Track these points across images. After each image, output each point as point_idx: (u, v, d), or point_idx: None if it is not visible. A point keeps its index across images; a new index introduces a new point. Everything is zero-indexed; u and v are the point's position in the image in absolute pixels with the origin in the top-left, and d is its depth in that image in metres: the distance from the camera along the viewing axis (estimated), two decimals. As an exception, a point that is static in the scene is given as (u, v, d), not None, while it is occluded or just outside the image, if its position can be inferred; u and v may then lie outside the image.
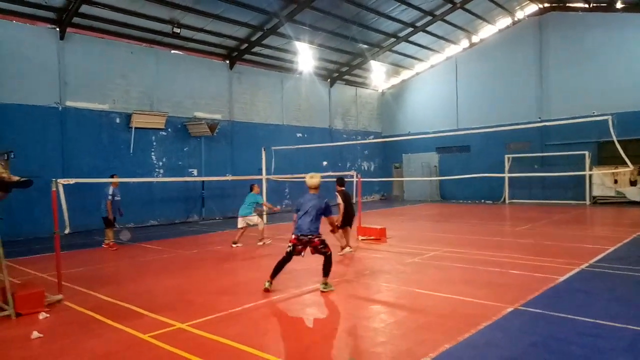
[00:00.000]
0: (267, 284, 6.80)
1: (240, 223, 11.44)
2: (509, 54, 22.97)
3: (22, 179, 6.08)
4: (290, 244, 6.84)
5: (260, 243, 11.56)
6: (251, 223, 11.52)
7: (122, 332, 5.25)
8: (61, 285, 6.82)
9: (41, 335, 5.19)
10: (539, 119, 21.40)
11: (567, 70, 21.09)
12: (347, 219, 10.09)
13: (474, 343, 4.62)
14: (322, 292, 6.69)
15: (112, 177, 11.48)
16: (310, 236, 6.75)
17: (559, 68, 21.37)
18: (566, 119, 17.14)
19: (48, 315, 5.95)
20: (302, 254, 6.87)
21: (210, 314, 5.79)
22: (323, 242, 6.81)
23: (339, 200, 10.01)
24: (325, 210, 6.98)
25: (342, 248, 9.89)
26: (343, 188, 10.39)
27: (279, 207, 12.91)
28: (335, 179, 10.78)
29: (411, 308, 5.99)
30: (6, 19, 13.81)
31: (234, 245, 11.24)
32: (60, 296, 6.63)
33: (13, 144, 13.39)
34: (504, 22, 23.06)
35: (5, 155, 6.06)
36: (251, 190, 11.81)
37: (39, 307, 6.09)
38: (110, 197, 11.41)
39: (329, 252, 6.88)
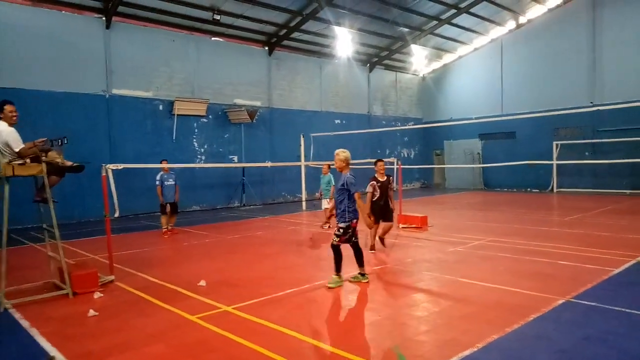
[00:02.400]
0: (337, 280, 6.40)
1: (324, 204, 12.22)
2: (559, 34, 21.81)
3: (75, 164, 6.34)
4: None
5: (326, 227, 11.87)
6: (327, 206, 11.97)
7: (171, 313, 5.42)
8: (112, 266, 7.13)
9: (96, 313, 5.44)
10: (591, 104, 20.27)
11: (623, 51, 19.80)
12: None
13: (523, 335, 4.48)
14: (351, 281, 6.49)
15: (161, 162, 11.30)
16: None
17: (614, 48, 20.10)
18: (621, 103, 16.17)
19: (102, 294, 6.23)
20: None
21: (254, 298, 5.88)
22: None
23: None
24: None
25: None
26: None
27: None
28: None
29: (454, 297, 5.87)
30: (56, 9, 14.35)
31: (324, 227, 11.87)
32: (112, 277, 6.93)
33: (64, 131, 13.96)
34: (554, 1, 21.88)
35: (59, 141, 6.30)
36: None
37: (94, 287, 6.39)
38: (158, 183, 11.43)
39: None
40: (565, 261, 7.49)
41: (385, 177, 8.76)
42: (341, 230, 6.38)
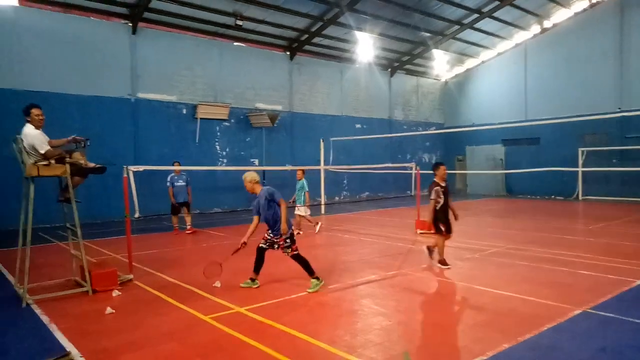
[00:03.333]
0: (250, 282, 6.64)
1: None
2: (585, 39, 21.33)
3: (97, 165, 6.55)
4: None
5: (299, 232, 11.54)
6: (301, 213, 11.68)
7: (185, 313, 5.53)
8: (132, 265, 7.31)
9: (113, 311, 5.60)
10: (619, 109, 19.75)
11: (653, 56, 19.25)
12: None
13: (535, 345, 4.40)
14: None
15: (174, 164, 12.05)
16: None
17: (643, 53, 19.56)
18: (650, 109, 15.70)
19: (120, 293, 6.39)
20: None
21: (267, 300, 5.95)
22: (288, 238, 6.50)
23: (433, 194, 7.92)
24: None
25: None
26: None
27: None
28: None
29: (468, 305, 5.81)
30: (84, 15, 14.83)
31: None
32: (130, 276, 7.11)
33: (90, 133, 14.37)
34: (581, 4, 21.40)
35: (83, 142, 6.52)
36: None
37: (113, 285, 6.56)
38: (168, 184, 11.95)
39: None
40: (585, 271, 7.32)
41: (445, 183, 8.06)
42: (289, 240, 6.48)
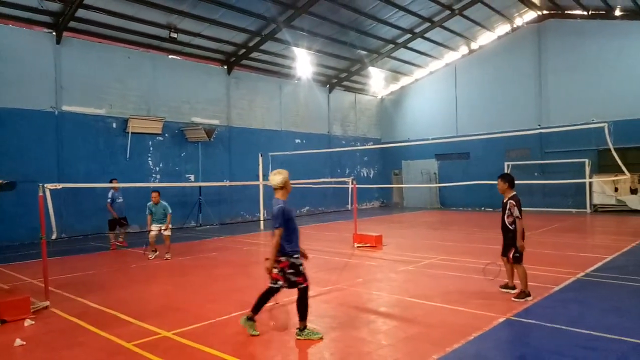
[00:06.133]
0: (251, 328, 5.23)
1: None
2: (508, 60, 22.93)
3: (4, 182, 6.02)
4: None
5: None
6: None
7: (106, 340, 5.15)
8: (48, 291, 6.73)
9: (24, 342, 5.11)
10: (538, 126, 21.32)
11: (566, 78, 21.01)
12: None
13: (462, 354, 4.52)
14: (299, 339, 5.05)
15: (111, 181, 12.47)
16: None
17: (558, 75, 21.29)
18: (565, 126, 16.99)
19: (33, 322, 5.86)
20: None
21: (196, 322, 5.69)
22: (292, 265, 5.06)
23: (516, 211, 6.57)
24: (273, 219, 5.11)
25: (521, 293, 6.42)
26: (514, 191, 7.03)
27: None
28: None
29: (401, 317, 5.88)
30: (2, 23, 13.81)
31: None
32: (46, 303, 6.54)
33: (8, 148, 13.39)
34: (503, 29, 23.03)
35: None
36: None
37: (25, 314, 6.00)
38: (109, 200, 12.20)
39: (302, 284, 5.09)
40: (504, 279, 7.66)
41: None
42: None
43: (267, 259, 5.09)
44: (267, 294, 5.28)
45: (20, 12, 13.73)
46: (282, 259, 5.04)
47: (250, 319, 5.24)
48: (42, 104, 14.52)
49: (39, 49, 14.48)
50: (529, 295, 6.36)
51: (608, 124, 9.95)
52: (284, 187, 5.26)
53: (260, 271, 9.17)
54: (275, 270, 5.10)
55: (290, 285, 5.10)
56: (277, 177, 5.26)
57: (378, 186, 26.51)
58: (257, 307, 5.27)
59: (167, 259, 10.57)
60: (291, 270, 5.05)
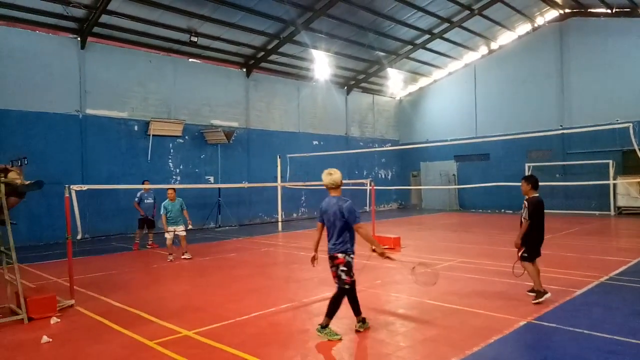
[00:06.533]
0: (330, 334, 5.13)
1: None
2: (529, 60, 22.57)
3: (32, 182, 6.19)
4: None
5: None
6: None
7: (129, 338, 5.27)
8: (73, 290, 6.91)
9: (50, 339, 5.26)
10: (560, 127, 20.93)
11: (589, 77, 20.57)
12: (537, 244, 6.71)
13: (481, 357, 4.48)
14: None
15: (143, 182, 13.20)
16: (331, 254, 5.29)
17: (580, 75, 20.86)
18: (588, 126, 16.68)
19: (59, 320, 6.02)
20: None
21: (217, 322, 5.77)
22: (347, 264, 5.18)
23: (526, 212, 6.69)
24: (349, 216, 5.19)
25: (537, 294, 6.40)
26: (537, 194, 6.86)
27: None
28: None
29: (419, 319, 5.86)
30: (29, 29, 14.23)
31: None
32: (72, 301, 6.72)
33: (35, 151, 13.77)
34: (524, 28, 22.69)
35: (19, 161, 6.18)
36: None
37: (51, 312, 6.18)
38: (137, 199, 12.63)
39: (347, 285, 5.18)
40: (531, 282, 7.56)
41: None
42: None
43: (373, 250, 5.28)
44: (339, 298, 5.24)
45: (46, 18, 14.13)
46: (340, 255, 5.16)
47: (325, 326, 5.16)
48: (67, 108, 14.91)
49: (64, 54, 14.87)
50: (545, 293, 6.35)
51: (633, 124, 9.74)
52: (341, 185, 5.43)
53: (279, 272, 9.29)
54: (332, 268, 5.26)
55: (339, 282, 5.19)
56: (334, 177, 5.40)
57: (396, 187, 26.38)
58: (331, 312, 5.21)
59: (186, 258, 10.71)
60: (344, 268, 5.16)
